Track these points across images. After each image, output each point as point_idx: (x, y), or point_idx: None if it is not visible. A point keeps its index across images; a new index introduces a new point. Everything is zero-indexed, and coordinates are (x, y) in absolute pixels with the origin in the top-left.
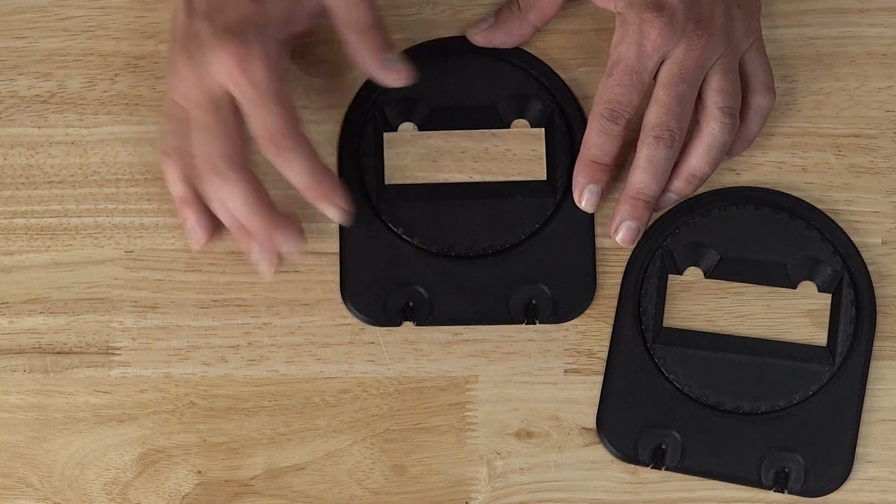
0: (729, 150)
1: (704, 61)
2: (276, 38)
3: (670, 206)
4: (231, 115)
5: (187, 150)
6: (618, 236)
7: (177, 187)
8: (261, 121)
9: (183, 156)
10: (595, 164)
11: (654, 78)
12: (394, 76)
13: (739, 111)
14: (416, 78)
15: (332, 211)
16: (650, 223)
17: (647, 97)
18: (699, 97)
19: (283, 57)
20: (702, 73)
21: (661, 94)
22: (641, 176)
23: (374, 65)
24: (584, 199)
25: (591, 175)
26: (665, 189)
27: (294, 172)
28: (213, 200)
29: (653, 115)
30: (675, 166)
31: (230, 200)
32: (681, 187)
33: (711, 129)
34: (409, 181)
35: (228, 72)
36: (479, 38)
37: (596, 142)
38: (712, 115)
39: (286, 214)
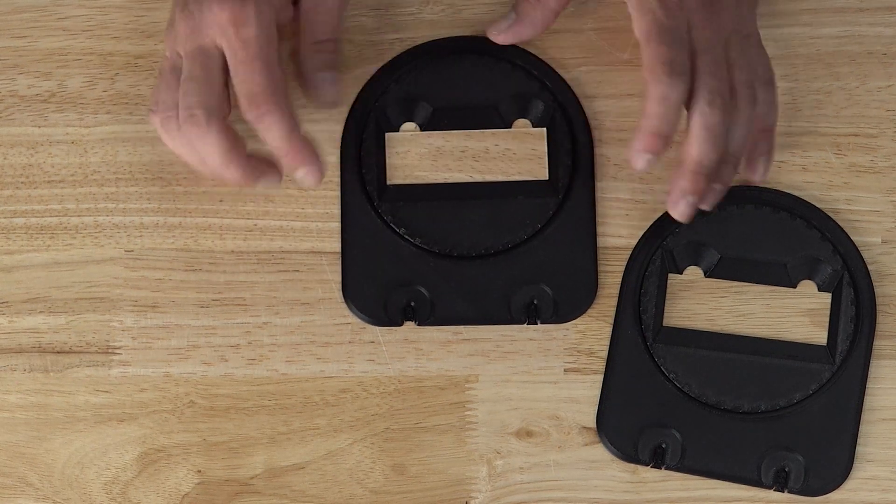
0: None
1: (721, 33)
2: (272, 5)
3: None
4: (218, 69)
5: (174, 101)
6: (676, 211)
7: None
8: (244, 80)
9: (169, 108)
10: (656, 135)
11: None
12: (321, 93)
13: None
14: (339, 105)
15: (307, 176)
16: (649, 223)
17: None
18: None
19: (274, 24)
20: (722, 43)
21: (698, 62)
22: (700, 147)
23: (308, 79)
24: (641, 162)
25: (650, 143)
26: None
27: (272, 135)
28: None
29: (700, 83)
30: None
31: (205, 150)
32: (725, 175)
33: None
34: (410, 181)
35: (222, 28)
36: (504, 37)
37: (657, 109)
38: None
39: (264, 163)
